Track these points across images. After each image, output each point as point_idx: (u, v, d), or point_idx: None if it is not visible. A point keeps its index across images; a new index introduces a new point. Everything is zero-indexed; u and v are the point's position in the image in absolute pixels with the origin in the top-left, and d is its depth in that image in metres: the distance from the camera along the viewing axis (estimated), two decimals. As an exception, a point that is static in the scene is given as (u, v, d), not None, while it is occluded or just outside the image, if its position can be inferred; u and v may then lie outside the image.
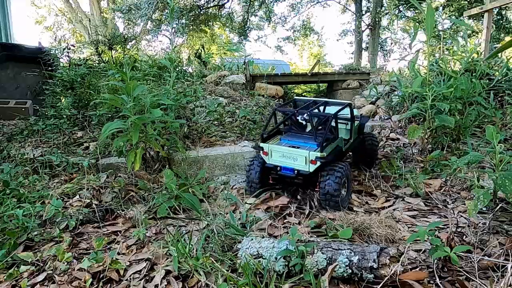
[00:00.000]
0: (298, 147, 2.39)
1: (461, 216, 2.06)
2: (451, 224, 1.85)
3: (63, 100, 4.65)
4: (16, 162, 2.95)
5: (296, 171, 2.35)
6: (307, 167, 2.30)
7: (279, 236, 1.87)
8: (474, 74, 3.38)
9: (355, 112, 2.82)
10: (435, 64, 3.90)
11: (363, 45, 18.15)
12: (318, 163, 2.26)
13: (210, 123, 3.98)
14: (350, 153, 3.19)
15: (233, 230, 1.83)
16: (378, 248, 1.44)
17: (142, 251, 1.83)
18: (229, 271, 1.55)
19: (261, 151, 2.47)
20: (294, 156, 2.37)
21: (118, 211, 2.29)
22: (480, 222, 1.95)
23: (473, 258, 1.53)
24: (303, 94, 8.35)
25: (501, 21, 14.45)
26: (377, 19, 16.01)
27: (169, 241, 1.78)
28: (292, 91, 8.48)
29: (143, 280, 1.58)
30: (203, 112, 4.14)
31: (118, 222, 2.21)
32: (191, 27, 17.26)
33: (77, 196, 2.42)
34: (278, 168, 2.41)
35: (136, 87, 2.48)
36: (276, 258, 1.50)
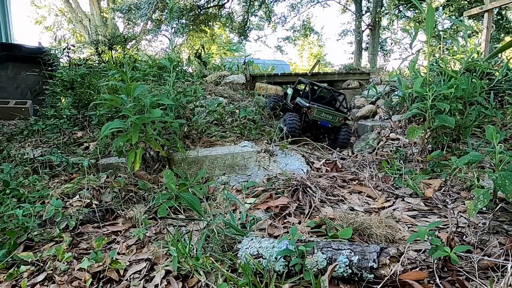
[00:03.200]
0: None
1: (461, 216, 2.06)
2: (451, 224, 1.85)
3: (63, 100, 4.65)
4: (16, 162, 2.95)
5: (330, 124, 4.64)
6: (338, 123, 4.64)
7: (279, 236, 1.87)
8: (474, 74, 3.38)
9: None
10: (435, 64, 3.89)
11: (363, 45, 18.14)
12: (343, 121, 4.65)
13: (210, 123, 3.98)
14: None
15: (233, 230, 1.83)
16: (378, 248, 1.44)
17: (142, 251, 1.83)
18: (229, 271, 1.55)
19: (308, 109, 4.56)
20: (330, 115, 4.63)
21: (118, 211, 2.29)
22: (480, 222, 1.95)
23: (473, 258, 1.53)
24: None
25: (501, 21, 14.44)
26: (377, 19, 15.99)
27: (169, 241, 1.78)
28: (292, 91, 8.48)
29: (143, 280, 1.58)
30: (203, 112, 4.14)
31: (118, 222, 2.21)
32: (191, 27, 17.25)
33: (77, 196, 2.42)
34: (318, 122, 4.62)
35: (136, 87, 2.48)
36: (276, 258, 1.50)
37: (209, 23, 18.29)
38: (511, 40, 2.53)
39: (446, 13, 14.73)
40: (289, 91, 5.58)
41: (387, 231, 1.82)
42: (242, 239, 1.67)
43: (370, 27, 16.51)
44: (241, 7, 18.99)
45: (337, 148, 4.26)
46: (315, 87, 5.36)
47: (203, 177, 2.83)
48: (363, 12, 17.79)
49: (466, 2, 13.65)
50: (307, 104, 4.57)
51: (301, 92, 5.42)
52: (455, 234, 1.71)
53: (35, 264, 1.70)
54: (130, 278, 1.61)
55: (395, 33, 20.16)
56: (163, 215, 2.21)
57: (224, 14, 18.78)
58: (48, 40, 18.48)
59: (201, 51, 8.22)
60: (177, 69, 5.90)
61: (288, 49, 61.18)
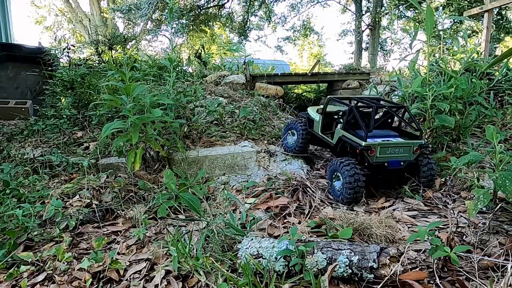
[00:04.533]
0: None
1: (461, 216, 2.06)
2: (451, 224, 1.85)
3: (63, 100, 4.65)
4: (16, 162, 2.95)
5: (402, 161, 2.61)
6: (411, 155, 2.62)
7: (279, 236, 1.86)
8: (474, 74, 3.38)
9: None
10: (435, 64, 3.89)
11: (363, 45, 18.14)
12: (418, 151, 2.62)
13: (210, 123, 3.98)
14: None
15: (233, 230, 1.83)
16: (378, 248, 1.44)
17: (142, 251, 1.83)
18: (229, 271, 1.55)
19: (367, 151, 2.52)
20: (400, 149, 2.63)
21: (118, 211, 2.29)
22: (480, 222, 1.95)
23: (473, 258, 1.53)
24: (303, 94, 8.34)
25: (501, 21, 14.45)
26: (377, 19, 16.00)
27: (169, 241, 1.78)
28: (292, 91, 8.48)
29: (143, 280, 1.58)
30: (203, 112, 4.14)
31: (118, 222, 2.21)
32: (191, 27, 17.25)
33: (77, 196, 2.42)
34: (386, 163, 2.58)
35: (136, 87, 2.48)
36: (276, 258, 1.50)
37: (209, 23, 18.29)
38: (510, 48, 2.49)
39: (446, 13, 14.74)
40: (314, 114, 3.40)
41: (387, 231, 1.82)
42: (242, 239, 1.67)
43: (370, 27, 16.51)
44: (241, 7, 18.98)
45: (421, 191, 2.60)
46: (361, 108, 3.07)
47: (203, 177, 2.83)
48: (363, 12, 17.79)
49: (466, 2, 13.65)
50: (363, 143, 2.56)
51: (336, 117, 3.17)
52: (455, 234, 1.71)
53: (35, 264, 1.70)
54: (130, 278, 1.61)
55: (395, 33, 20.17)
56: (163, 215, 2.21)
57: (224, 14, 18.78)
58: (48, 40, 18.48)
59: (201, 51, 8.22)
60: (177, 69, 5.90)
61: (288, 49, 60.84)
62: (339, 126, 2.95)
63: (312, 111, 3.48)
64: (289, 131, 3.60)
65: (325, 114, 3.27)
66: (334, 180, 2.68)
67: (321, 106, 3.33)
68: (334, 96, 3.47)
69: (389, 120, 3.12)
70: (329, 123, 3.28)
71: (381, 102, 3.03)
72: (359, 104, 2.95)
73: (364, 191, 2.50)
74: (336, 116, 3.14)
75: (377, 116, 3.07)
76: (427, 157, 2.73)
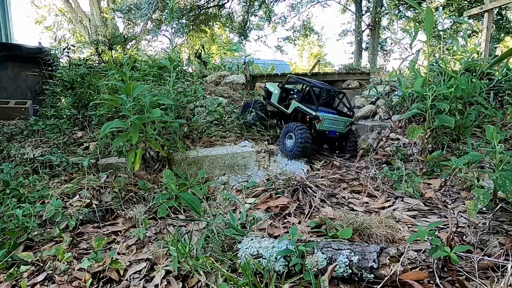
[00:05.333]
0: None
1: (461, 216, 2.06)
2: (451, 224, 1.85)
3: (63, 100, 4.65)
4: (16, 162, 2.95)
5: (337, 132, 3.78)
6: (344, 129, 3.81)
7: (279, 236, 1.86)
8: (474, 74, 3.38)
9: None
10: (435, 64, 3.89)
11: (363, 45, 18.14)
12: (349, 126, 3.84)
13: (210, 123, 3.98)
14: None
15: (233, 230, 1.83)
16: (378, 248, 1.44)
17: (142, 251, 1.83)
18: (229, 271, 1.55)
19: (315, 120, 3.58)
20: (338, 122, 3.75)
21: (118, 211, 2.29)
22: (480, 222, 1.95)
23: (473, 258, 1.53)
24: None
25: (501, 21, 14.44)
26: (377, 19, 16.00)
27: (169, 241, 1.78)
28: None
29: (143, 280, 1.58)
30: (203, 112, 4.14)
31: (118, 222, 2.21)
32: (191, 27, 17.24)
33: (77, 196, 2.42)
34: (327, 132, 3.69)
35: (136, 87, 2.48)
36: (276, 258, 1.50)
37: (209, 23, 18.29)
38: (511, 48, 2.53)
39: (446, 13, 14.74)
40: (273, 88, 4.41)
41: (387, 231, 1.82)
42: (242, 239, 1.67)
43: (370, 27, 16.51)
44: (241, 7, 18.97)
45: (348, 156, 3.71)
46: (315, 88, 4.09)
47: (203, 177, 2.83)
48: (363, 12, 17.80)
49: (466, 2, 13.65)
50: (313, 113, 3.58)
51: (291, 92, 4.32)
52: (455, 234, 1.71)
53: (35, 264, 1.70)
54: (130, 278, 1.61)
55: (395, 33, 20.17)
56: (163, 215, 2.21)
57: (224, 14, 18.77)
58: (48, 40, 18.45)
59: (201, 51, 8.21)
60: (177, 69, 5.89)
61: (288, 49, 60.56)
62: (294, 99, 3.97)
63: (270, 86, 4.52)
64: (248, 110, 4.41)
65: (283, 89, 4.29)
66: (286, 139, 3.61)
67: (279, 83, 4.42)
68: (293, 75, 4.72)
69: (331, 102, 4.36)
70: (284, 97, 4.26)
71: (326, 86, 4.18)
72: (312, 85, 4.02)
73: (310, 149, 3.54)
74: (291, 92, 4.24)
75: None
76: (354, 135, 3.94)
